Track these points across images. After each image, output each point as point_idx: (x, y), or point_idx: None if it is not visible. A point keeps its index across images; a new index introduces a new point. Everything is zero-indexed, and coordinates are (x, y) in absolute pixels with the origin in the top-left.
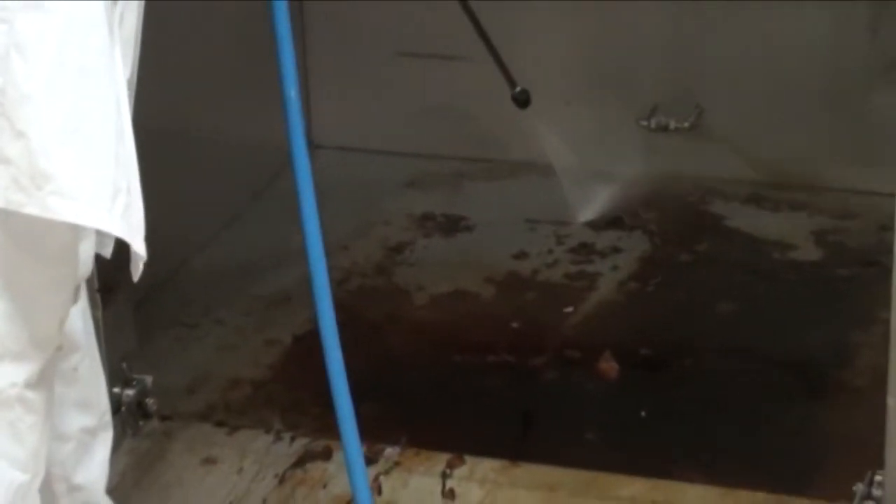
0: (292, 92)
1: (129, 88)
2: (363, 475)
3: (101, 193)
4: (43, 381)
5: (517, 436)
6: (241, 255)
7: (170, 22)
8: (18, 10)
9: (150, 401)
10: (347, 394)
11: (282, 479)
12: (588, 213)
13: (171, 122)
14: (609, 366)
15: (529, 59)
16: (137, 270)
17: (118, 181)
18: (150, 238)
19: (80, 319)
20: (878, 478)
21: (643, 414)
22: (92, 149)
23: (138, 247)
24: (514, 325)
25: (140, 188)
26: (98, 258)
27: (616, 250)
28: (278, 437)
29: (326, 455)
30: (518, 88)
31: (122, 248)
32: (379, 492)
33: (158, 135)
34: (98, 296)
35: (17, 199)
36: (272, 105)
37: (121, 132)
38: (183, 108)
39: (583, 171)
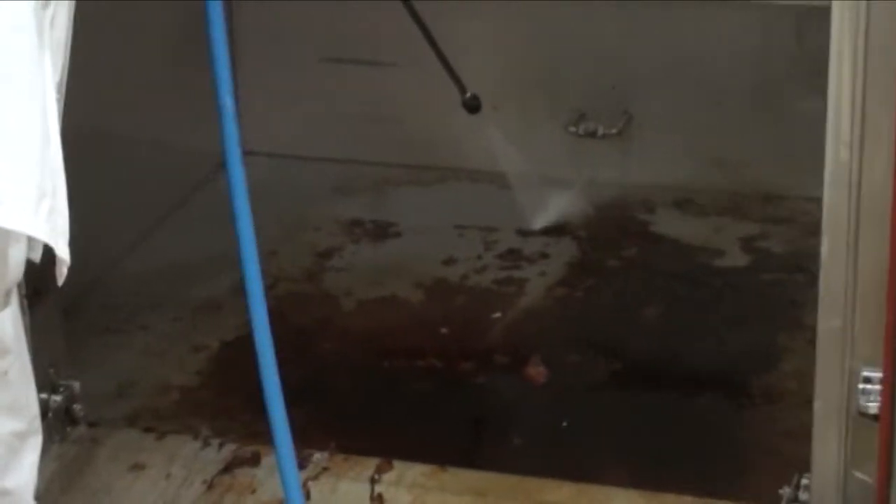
0: (227, 98)
1: (58, 92)
2: (296, 481)
3: (26, 197)
4: None
5: (446, 441)
6: (170, 260)
7: (102, 24)
8: None
9: (77, 406)
10: (280, 399)
11: (210, 485)
12: (541, 220)
13: (100, 126)
14: (537, 371)
15: (458, 63)
16: (61, 275)
17: (44, 185)
18: (80, 242)
19: (10, 323)
20: (804, 481)
21: (564, 424)
22: (17, 153)
23: (62, 251)
24: (443, 330)
25: (66, 192)
26: (26, 263)
27: (544, 256)
28: (206, 443)
29: (255, 461)
30: (468, 94)
31: (50, 252)
32: (308, 497)
33: (88, 138)
34: (25, 301)
35: None
36: (202, 109)
37: (47, 136)
38: (112, 111)
39: (536, 179)
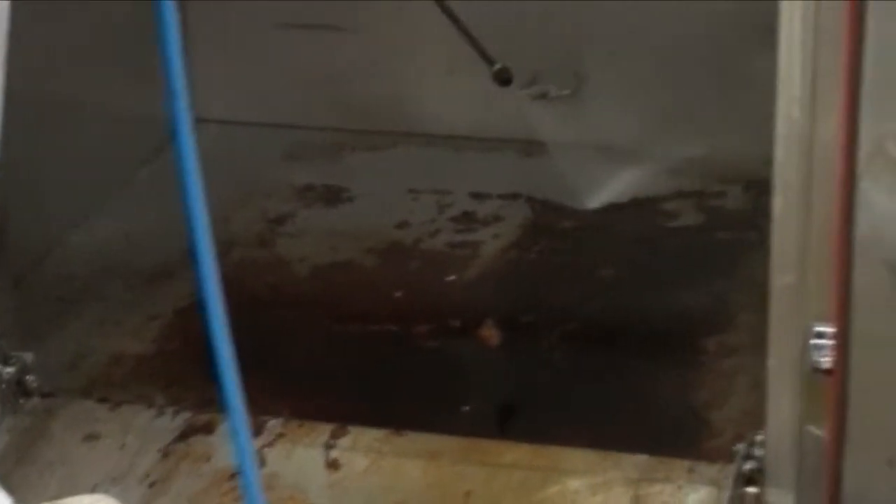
0: (176, 64)
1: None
2: (250, 447)
3: None
4: None
5: (400, 405)
6: (122, 229)
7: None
8: None
9: (30, 378)
10: (233, 365)
11: (165, 454)
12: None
13: (47, 96)
14: (491, 333)
15: (410, 29)
16: None
17: None
18: (31, 212)
19: None
20: (758, 437)
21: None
22: None
23: None
24: (397, 294)
25: None
26: None
27: (498, 218)
28: (161, 412)
29: (209, 429)
30: (498, 65)
31: None
32: (263, 464)
33: (37, 108)
34: None
35: None
36: (152, 77)
37: None
38: (59, 80)
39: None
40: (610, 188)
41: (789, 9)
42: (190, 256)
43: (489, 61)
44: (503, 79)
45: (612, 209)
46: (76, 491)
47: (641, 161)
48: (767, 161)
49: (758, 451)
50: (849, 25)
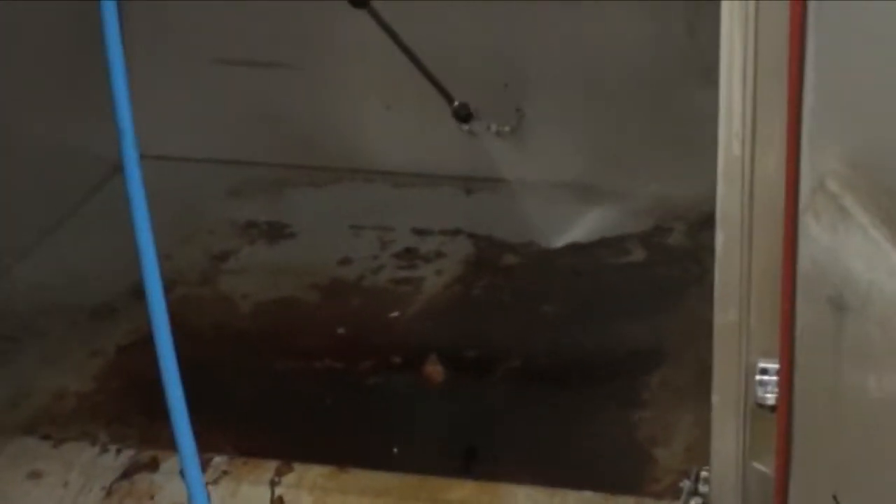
0: (123, 100)
1: None
2: (201, 485)
3: None
4: None
5: (345, 442)
6: (64, 266)
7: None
8: None
9: None
10: (183, 402)
11: (109, 492)
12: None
13: None
14: (435, 369)
15: (349, 62)
16: None
17: None
18: None
19: None
20: (703, 474)
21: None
22: None
23: None
24: (340, 330)
25: None
26: None
27: (440, 255)
28: (104, 449)
29: (153, 466)
30: (456, 102)
31: None
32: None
33: None
34: None
35: None
36: (94, 111)
37: None
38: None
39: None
40: (551, 223)
41: (729, 45)
42: (132, 294)
43: (448, 98)
44: (462, 115)
45: (554, 245)
46: None
47: (583, 197)
48: (709, 196)
49: (703, 488)
50: (790, 61)
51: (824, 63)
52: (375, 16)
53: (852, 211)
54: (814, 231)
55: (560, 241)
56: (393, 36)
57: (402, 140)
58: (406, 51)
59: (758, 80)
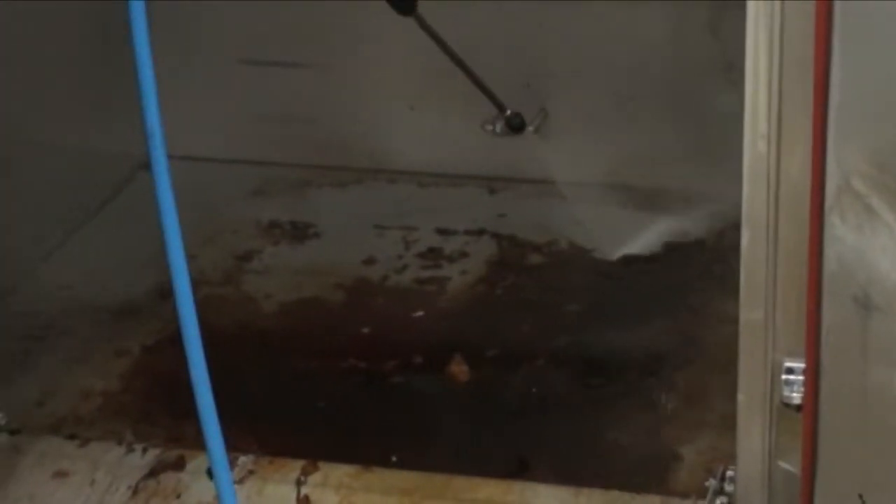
0: (151, 101)
1: None
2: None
3: None
4: None
5: (370, 441)
6: (88, 265)
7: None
8: None
9: None
10: (212, 402)
11: (135, 491)
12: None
13: (8, 132)
14: (460, 369)
15: (373, 62)
16: None
17: None
18: None
19: None
20: (729, 473)
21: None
22: None
23: None
24: (365, 330)
25: None
26: None
27: (464, 254)
28: (130, 449)
29: (179, 465)
30: (509, 112)
31: None
32: None
33: None
34: None
35: None
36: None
37: None
38: (22, 116)
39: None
40: (575, 222)
41: (755, 44)
42: (157, 293)
43: (500, 107)
44: (515, 125)
45: (578, 245)
46: None
47: (606, 196)
48: (732, 196)
49: (728, 487)
50: (816, 60)
51: (850, 62)
52: (422, 23)
53: (879, 210)
54: (839, 230)
55: (582, 239)
56: (441, 44)
57: (426, 140)
58: (454, 58)
59: (783, 80)
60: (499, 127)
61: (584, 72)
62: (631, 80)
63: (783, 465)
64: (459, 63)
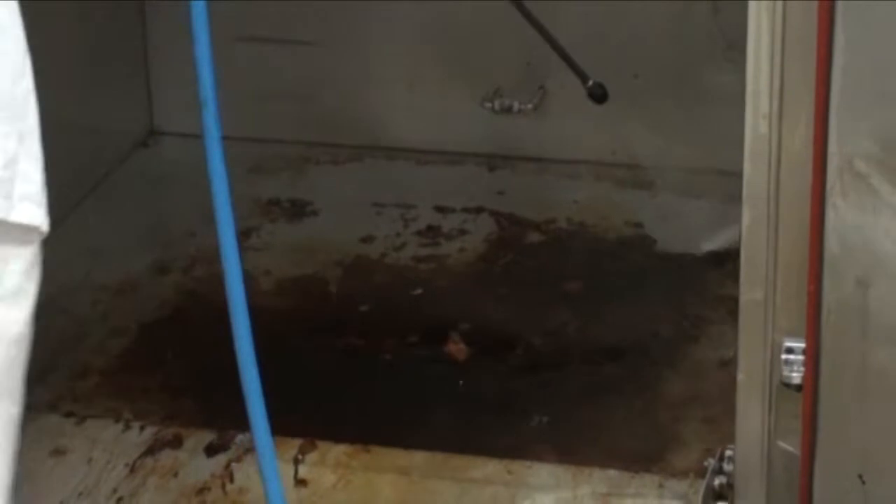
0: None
1: None
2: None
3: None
4: None
5: (369, 419)
6: (86, 243)
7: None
8: None
9: None
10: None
11: (132, 469)
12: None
13: None
14: (458, 347)
15: (372, 40)
16: None
17: None
18: None
19: None
20: (728, 453)
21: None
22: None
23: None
24: (363, 308)
25: None
26: None
27: (463, 232)
28: (128, 426)
29: (176, 443)
30: (591, 82)
31: None
32: (231, 479)
33: None
34: None
35: None
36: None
37: None
38: None
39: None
40: (574, 201)
41: (757, 24)
42: (155, 270)
43: (583, 78)
44: (598, 95)
45: (577, 223)
46: None
47: (605, 175)
48: (732, 175)
49: (728, 467)
50: (819, 42)
51: (853, 41)
52: (520, 6)
53: (880, 190)
54: (841, 210)
55: (581, 217)
56: (536, 24)
57: (424, 117)
58: (544, 33)
59: (785, 60)
60: (497, 104)
61: (584, 50)
62: (631, 59)
63: (783, 445)
64: (545, 34)
